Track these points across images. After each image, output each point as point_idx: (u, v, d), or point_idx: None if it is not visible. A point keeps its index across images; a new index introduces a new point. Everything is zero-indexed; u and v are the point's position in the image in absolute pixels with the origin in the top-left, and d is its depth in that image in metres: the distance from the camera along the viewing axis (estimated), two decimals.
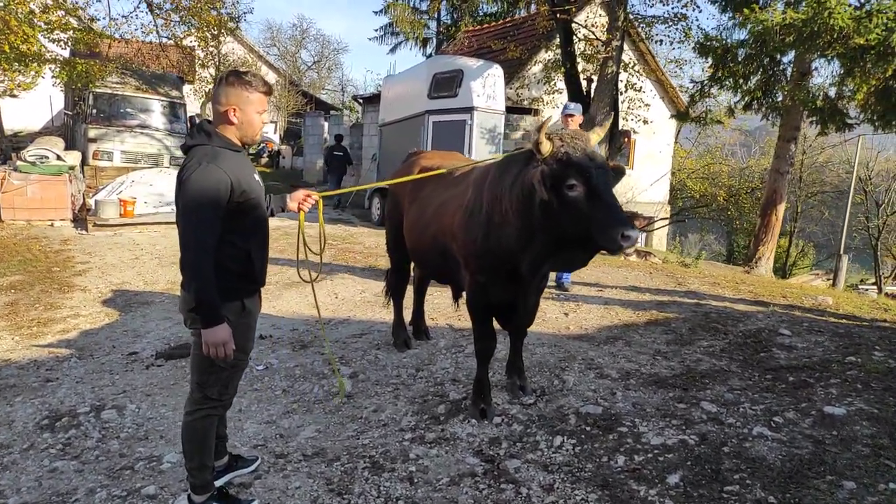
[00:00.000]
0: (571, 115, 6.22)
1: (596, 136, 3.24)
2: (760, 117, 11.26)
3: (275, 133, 31.60)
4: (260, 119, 2.70)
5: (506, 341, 4.24)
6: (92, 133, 14.47)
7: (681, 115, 11.02)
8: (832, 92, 9.71)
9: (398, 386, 4.32)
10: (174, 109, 15.76)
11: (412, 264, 5.09)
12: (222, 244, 2.56)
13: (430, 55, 29.13)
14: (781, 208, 11.84)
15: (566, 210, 2.86)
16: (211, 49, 16.43)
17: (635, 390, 4.07)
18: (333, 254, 9.04)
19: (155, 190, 13.02)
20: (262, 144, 27.00)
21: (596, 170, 2.86)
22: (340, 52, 50.86)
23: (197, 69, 19.42)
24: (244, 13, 15.83)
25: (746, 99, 11.67)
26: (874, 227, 18.67)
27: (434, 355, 4.89)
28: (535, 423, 3.70)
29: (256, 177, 2.77)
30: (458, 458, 3.30)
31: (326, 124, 22.66)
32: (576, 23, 12.50)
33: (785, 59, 11.58)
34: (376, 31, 30.29)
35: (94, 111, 14.65)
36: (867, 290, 16.11)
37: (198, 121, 3.74)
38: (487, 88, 10.85)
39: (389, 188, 5.10)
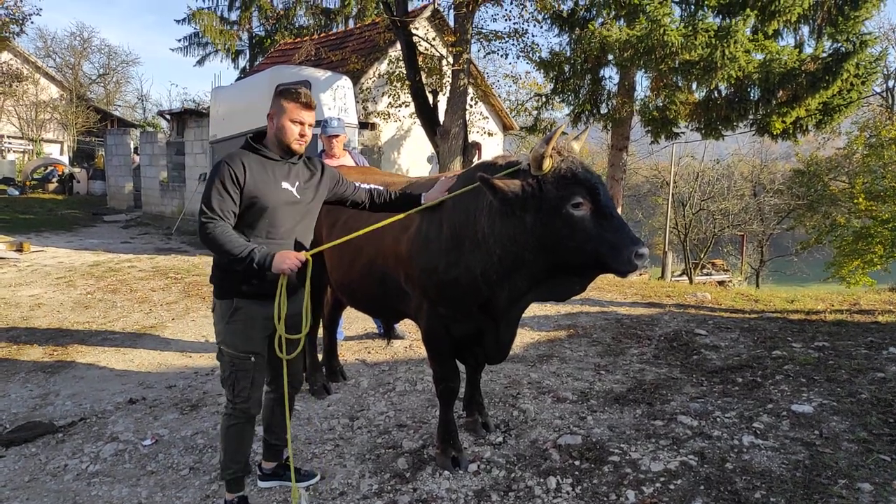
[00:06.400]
0: (336, 135, 5.18)
1: (579, 143, 2.95)
2: (601, 127, 11.98)
3: (62, 154, 27.60)
4: None
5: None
6: None
7: (530, 129, 11.40)
8: (659, 103, 10.57)
9: (337, 442, 3.66)
10: None
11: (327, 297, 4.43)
12: None
13: (244, 68, 27.41)
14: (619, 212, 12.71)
15: (570, 232, 2.54)
16: None
17: (601, 411, 3.83)
18: (182, 288, 7.84)
19: None
20: (50, 167, 23.37)
21: (601, 186, 2.60)
22: (130, 63, 45.78)
23: None
24: (30, 14, 13.34)
25: (577, 111, 12.40)
26: (682, 225, 21.11)
27: (362, 399, 4.27)
28: (517, 465, 3.29)
29: None
30: None
31: (133, 143, 20.04)
32: (416, 35, 12.33)
33: (608, 75, 12.55)
34: (179, 41, 27.78)
35: None
36: (678, 280, 17.97)
37: None
38: (338, 101, 10.23)
39: None
